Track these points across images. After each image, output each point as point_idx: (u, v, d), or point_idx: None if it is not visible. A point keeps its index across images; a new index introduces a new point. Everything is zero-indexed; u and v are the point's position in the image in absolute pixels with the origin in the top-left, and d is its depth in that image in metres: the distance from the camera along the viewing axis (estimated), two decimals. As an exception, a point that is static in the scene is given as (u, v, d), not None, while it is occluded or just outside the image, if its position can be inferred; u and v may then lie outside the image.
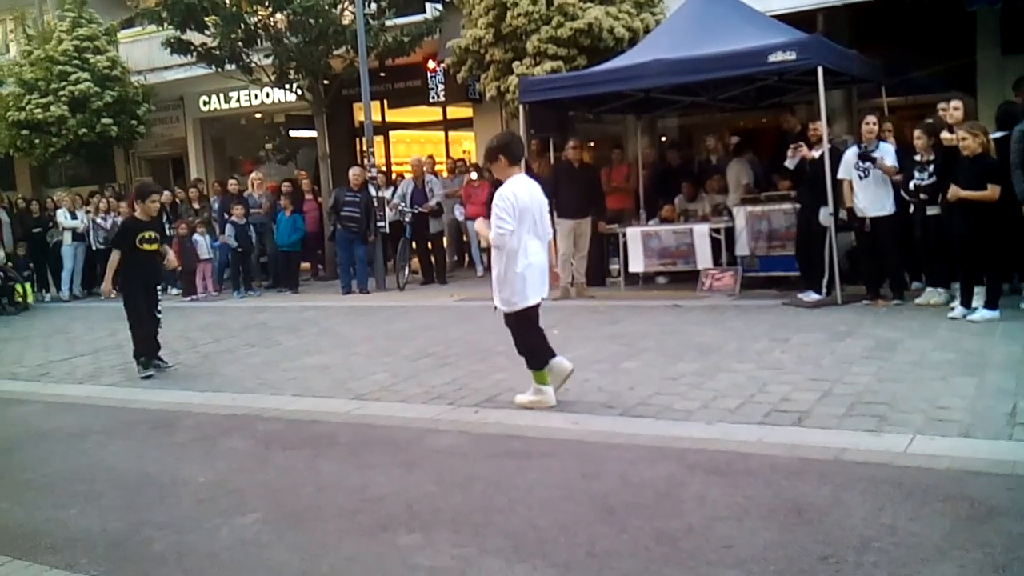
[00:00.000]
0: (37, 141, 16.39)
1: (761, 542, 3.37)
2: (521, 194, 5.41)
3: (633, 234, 10.52)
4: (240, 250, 13.02)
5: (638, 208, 11.75)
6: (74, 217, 14.18)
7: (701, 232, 10.08)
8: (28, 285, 13.59)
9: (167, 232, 11.23)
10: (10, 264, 13.50)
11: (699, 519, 3.63)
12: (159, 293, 7.94)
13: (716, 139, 11.62)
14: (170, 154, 19.73)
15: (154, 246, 7.70)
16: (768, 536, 3.42)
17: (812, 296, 8.65)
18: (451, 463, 4.68)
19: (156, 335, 7.75)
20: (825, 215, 8.54)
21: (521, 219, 5.38)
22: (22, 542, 3.95)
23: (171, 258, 8.40)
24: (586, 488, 4.10)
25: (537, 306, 5.63)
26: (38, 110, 15.98)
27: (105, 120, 16.35)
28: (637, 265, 10.51)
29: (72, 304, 14.00)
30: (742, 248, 9.90)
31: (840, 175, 8.46)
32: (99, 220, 13.99)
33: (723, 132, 12.51)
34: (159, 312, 7.78)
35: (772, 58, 8.45)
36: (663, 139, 14.37)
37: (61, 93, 16.01)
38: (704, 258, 10.01)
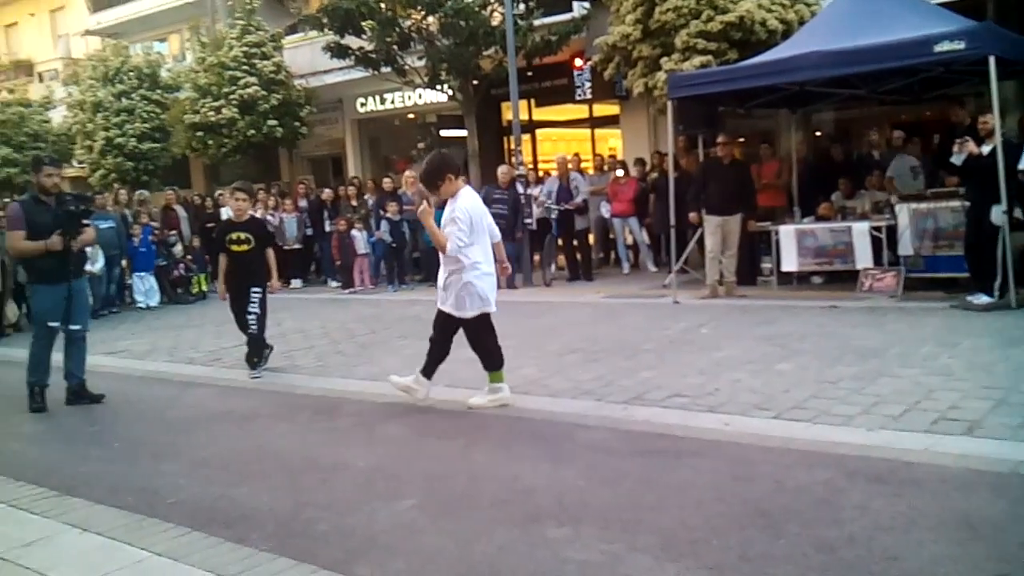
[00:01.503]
0: (210, 142, 17.52)
1: (928, 555, 3.22)
2: (474, 209, 5.82)
3: (787, 232, 10.19)
4: (394, 245, 13.49)
5: (791, 205, 11.39)
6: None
7: (861, 230, 9.65)
8: (203, 276, 14.56)
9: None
10: (188, 256, 14.50)
11: (860, 528, 3.50)
12: (254, 294, 7.52)
13: (878, 133, 11.09)
14: (330, 153, 20.64)
15: (243, 247, 7.52)
16: (936, 549, 3.26)
17: (983, 299, 8.12)
18: (599, 459, 4.70)
19: (254, 338, 7.57)
20: (998, 213, 8.00)
21: (475, 231, 5.77)
22: (199, 515, 4.23)
23: (273, 282, 7.84)
24: (739, 491, 4.03)
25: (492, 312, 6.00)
26: (211, 113, 17.07)
27: (271, 122, 17.31)
28: (791, 264, 10.17)
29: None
30: (905, 247, 9.41)
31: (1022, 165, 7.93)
32: (268, 216, 14.82)
33: (884, 126, 11.93)
34: (251, 313, 7.49)
35: (938, 48, 7.97)
36: (818, 134, 13.84)
37: (232, 97, 17.04)
38: (864, 257, 9.58)
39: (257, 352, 7.65)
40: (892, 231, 9.53)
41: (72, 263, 6.77)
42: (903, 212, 9.44)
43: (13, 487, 4.86)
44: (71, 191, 12.82)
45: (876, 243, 9.55)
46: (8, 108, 22.00)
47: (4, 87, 24.11)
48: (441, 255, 5.86)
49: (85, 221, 6.86)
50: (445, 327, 5.98)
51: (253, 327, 7.54)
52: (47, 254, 6.63)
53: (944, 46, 7.94)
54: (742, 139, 14.46)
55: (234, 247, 7.53)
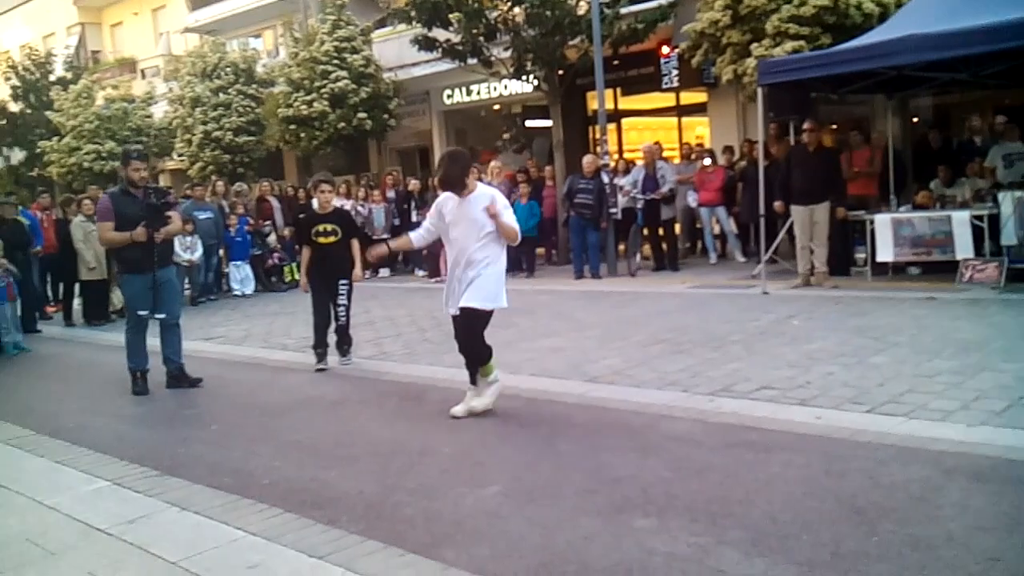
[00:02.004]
0: (302, 135, 17.96)
1: (1034, 557, 3.09)
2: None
3: (882, 221, 9.86)
4: (479, 235, 13.56)
5: (884, 193, 11.01)
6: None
7: (961, 219, 9.27)
8: (296, 265, 14.92)
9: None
10: (280, 246, 14.91)
11: (959, 527, 3.38)
12: (342, 286, 7.58)
13: (980, 119, 10.61)
14: (417, 145, 20.89)
15: (331, 239, 7.52)
16: (1042, 551, 3.12)
17: (1095, 291, 7.72)
18: (686, 450, 4.65)
19: (343, 328, 7.65)
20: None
21: None
22: (291, 497, 4.35)
23: (356, 272, 7.74)
24: (831, 486, 3.93)
25: None
26: (303, 106, 17.49)
27: (361, 114, 17.63)
28: (886, 254, 9.83)
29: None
30: (1008, 237, 9.01)
31: None
32: (359, 207, 15.11)
33: (987, 111, 11.40)
34: (340, 305, 7.58)
35: None
36: (915, 120, 13.33)
37: (323, 90, 17.42)
38: (964, 247, 9.21)
39: (348, 340, 7.77)
40: (994, 220, 9.13)
41: (157, 254, 6.98)
42: (1006, 200, 9.03)
43: (118, 466, 5.10)
44: (164, 184, 13.26)
45: (977, 232, 9.17)
46: (113, 104, 22.99)
47: (109, 84, 25.19)
48: (473, 250, 5.55)
49: (169, 213, 7.06)
50: (477, 325, 5.61)
51: (343, 318, 7.66)
52: (133, 245, 6.88)
53: (1052, 27, 7.54)
54: (834, 126, 14.06)
55: (321, 239, 7.54)
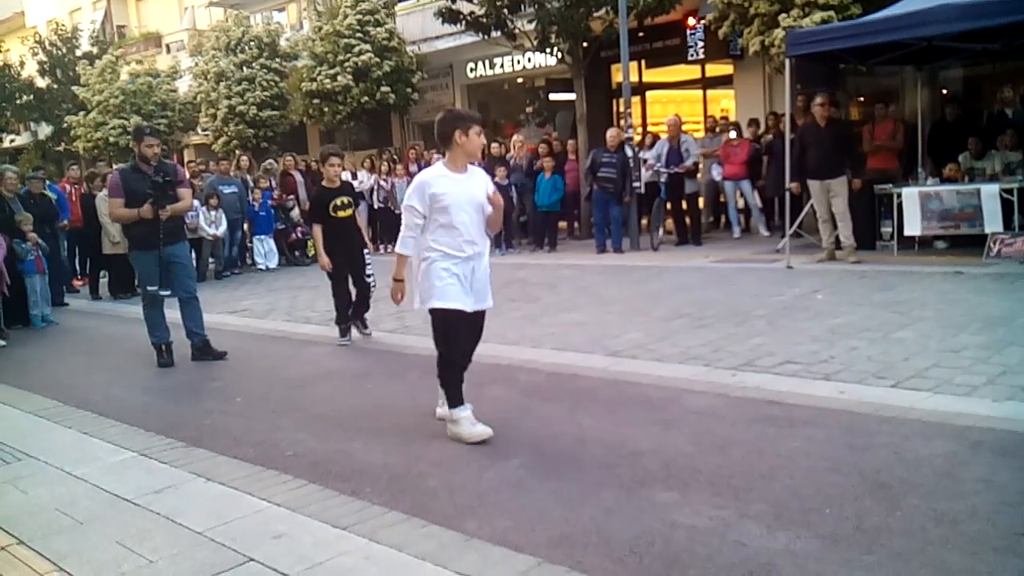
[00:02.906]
0: (326, 109, 17.97)
1: (1059, 533, 3.06)
2: None
3: (910, 194, 9.72)
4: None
5: (911, 166, 10.83)
6: (354, 178, 15.42)
7: (990, 192, 9.12)
8: (320, 239, 15.02)
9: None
10: (303, 220, 14.96)
11: (984, 502, 3.35)
12: (367, 254, 7.62)
13: (1012, 90, 10.40)
14: (440, 119, 20.84)
15: (348, 212, 7.46)
16: (1068, 528, 3.09)
17: None
18: (708, 424, 4.64)
19: (364, 298, 7.64)
20: None
21: None
22: (316, 468, 4.39)
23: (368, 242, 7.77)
24: (854, 461, 3.91)
25: None
26: (327, 80, 17.48)
27: (384, 88, 17.60)
28: (914, 228, 9.70)
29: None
30: (1039, 210, 8.87)
31: None
32: (382, 182, 15.11)
33: (1019, 82, 11.17)
34: (369, 275, 7.59)
35: None
36: (944, 91, 13.09)
37: (346, 64, 17.39)
38: (993, 221, 9.07)
39: (367, 308, 7.78)
40: (1024, 194, 8.98)
41: (163, 231, 6.98)
42: (1038, 173, 8.87)
43: (144, 437, 5.17)
44: (189, 159, 13.29)
45: (1007, 206, 9.02)
46: (138, 79, 23.10)
47: (134, 58, 25.30)
48: (481, 236, 4.93)
49: (180, 190, 7.08)
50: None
51: (373, 288, 7.68)
52: (140, 221, 6.92)
53: (1090, -6, 7.36)
54: (862, 98, 13.86)
55: (340, 213, 7.42)
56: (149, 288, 7.10)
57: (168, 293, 7.15)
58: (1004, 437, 4.03)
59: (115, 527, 3.80)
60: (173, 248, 7.14)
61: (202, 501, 4.05)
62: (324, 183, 7.61)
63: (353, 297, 7.68)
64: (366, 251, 7.67)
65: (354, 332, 7.78)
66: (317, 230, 7.53)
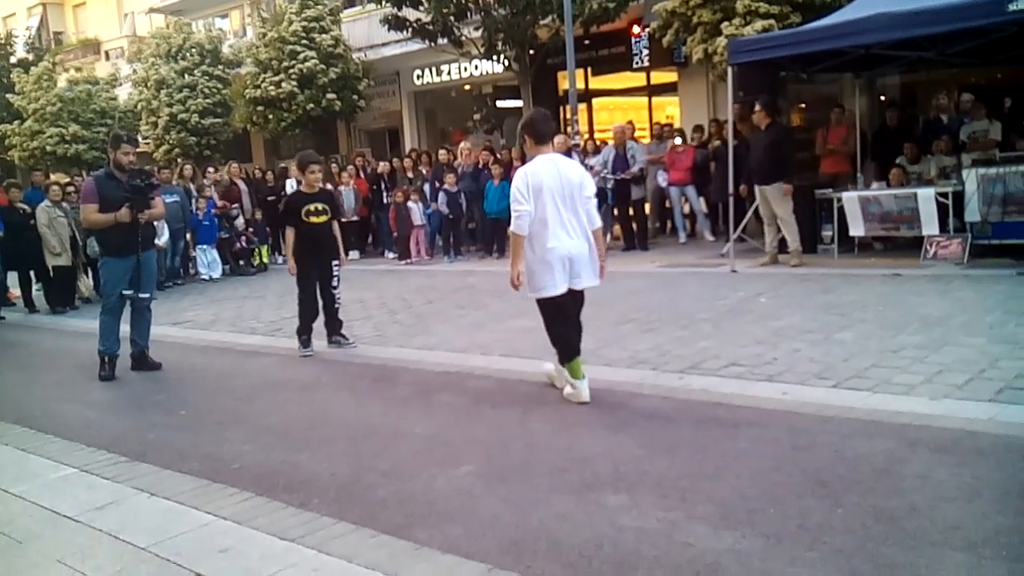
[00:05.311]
0: (270, 116, 17.79)
1: (992, 526, 3.16)
2: (540, 174, 5.13)
3: (850, 198, 9.95)
4: (451, 217, 13.55)
5: (855, 171, 11.10)
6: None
7: (926, 196, 9.38)
8: (265, 248, 14.84)
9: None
10: (250, 229, 14.77)
11: (922, 498, 3.45)
12: (334, 268, 7.53)
13: (947, 97, 10.72)
14: (387, 126, 20.77)
15: (322, 219, 7.41)
16: (1002, 520, 3.19)
17: (1056, 266, 7.86)
18: (656, 427, 4.70)
19: (333, 311, 7.57)
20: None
21: (537, 200, 5.10)
22: (262, 481, 4.33)
23: (342, 257, 7.72)
24: (797, 460, 3.99)
25: (563, 297, 5.42)
26: (271, 87, 17.31)
27: (330, 95, 17.49)
28: (858, 229, 9.93)
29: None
30: (972, 214, 9.13)
31: None
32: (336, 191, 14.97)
33: (953, 89, 11.53)
34: (334, 287, 7.53)
35: (1012, 7, 7.66)
36: (882, 98, 13.45)
37: (291, 71, 17.25)
38: (930, 224, 9.33)
39: (340, 323, 7.66)
40: (959, 197, 9.25)
41: (140, 236, 7.01)
42: (971, 177, 9.15)
43: (85, 452, 5.05)
44: (137, 166, 13.16)
45: (942, 210, 9.29)
46: (76, 86, 22.62)
47: (72, 65, 24.76)
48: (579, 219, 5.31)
49: (152, 195, 7.09)
50: (541, 312, 5.62)
51: (338, 302, 7.60)
52: (117, 227, 6.88)
53: (1019, 5, 7.62)
54: (803, 104, 14.15)
55: (313, 218, 7.36)
56: (124, 292, 7.03)
57: (147, 296, 7.17)
58: (941, 434, 4.15)
59: (56, 545, 3.70)
60: (147, 253, 7.17)
61: (146, 516, 3.97)
62: (302, 187, 7.62)
63: (320, 309, 7.56)
64: (335, 263, 7.55)
65: (317, 343, 7.64)
66: (289, 233, 7.51)
